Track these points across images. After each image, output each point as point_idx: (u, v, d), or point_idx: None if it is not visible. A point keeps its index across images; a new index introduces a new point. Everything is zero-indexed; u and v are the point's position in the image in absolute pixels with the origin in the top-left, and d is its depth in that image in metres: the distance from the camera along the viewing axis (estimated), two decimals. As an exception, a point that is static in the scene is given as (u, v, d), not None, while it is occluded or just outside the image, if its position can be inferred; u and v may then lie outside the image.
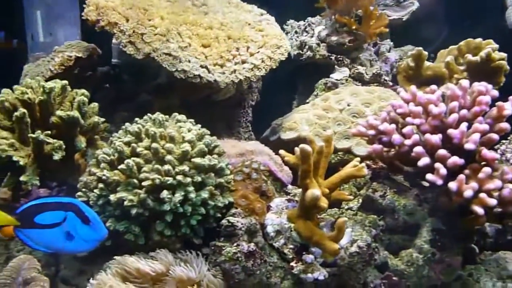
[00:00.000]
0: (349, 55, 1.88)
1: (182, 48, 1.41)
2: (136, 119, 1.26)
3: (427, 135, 1.16)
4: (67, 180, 1.38)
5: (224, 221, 1.14)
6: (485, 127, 1.13)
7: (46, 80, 1.36)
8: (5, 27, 2.04)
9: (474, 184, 1.09)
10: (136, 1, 1.47)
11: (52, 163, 1.26)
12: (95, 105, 1.35)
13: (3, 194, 1.43)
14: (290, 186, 1.39)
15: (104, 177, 1.12)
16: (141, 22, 1.40)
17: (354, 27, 1.83)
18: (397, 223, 1.24)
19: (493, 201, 1.08)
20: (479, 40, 1.66)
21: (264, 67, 1.48)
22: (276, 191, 1.34)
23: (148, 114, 1.25)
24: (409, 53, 1.88)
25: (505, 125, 1.15)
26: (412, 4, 2.11)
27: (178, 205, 1.10)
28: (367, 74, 1.82)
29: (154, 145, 1.12)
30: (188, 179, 1.11)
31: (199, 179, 1.13)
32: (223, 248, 1.11)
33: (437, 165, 1.12)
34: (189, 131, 1.18)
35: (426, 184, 1.27)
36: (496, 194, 1.10)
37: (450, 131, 1.14)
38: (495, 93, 1.18)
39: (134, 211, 1.09)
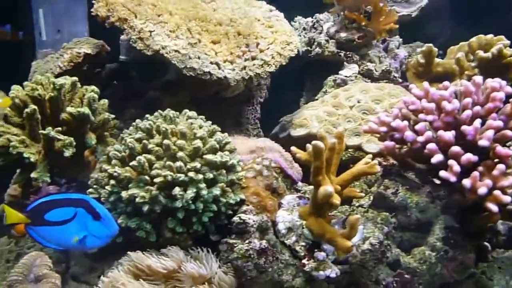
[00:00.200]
0: (358, 51, 1.87)
1: (192, 45, 1.40)
2: (147, 115, 1.25)
3: (440, 132, 1.15)
4: (77, 177, 1.38)
5: (235, 218, 1.14)
6: (499, 123, 1.12)
7: (55, 77, 1.36)
8: (13, 23, 2.02)
9: (488, 181, 1.08)
10: (145, -3, 1.47)
11: (62, 160, 1.25)
12: (105, 101, 1.35)
13: (13, 191, 1.43)
14: (300, 183, 1.38)
15: (115, 174, 1.12)
16: (151, 18, 1.40)
17: (363, 24, 1.82)
18: (410, 220, 1.23)
19: (507, 198, 1.07)
20: (490, 36, 1.65)
21: (274, 64, 1.47)
22: (287, 188, 1.33)
23: (159, 111, 1.25)
24: (419, 50, 1.87)
25: (519, 121, 1.14)
26: (421, 0, 2.10)
27: (190, 202, 1.09)
28: (376, 71, 1.81)
29: (166, 141, 1.11)
30: (200, 176, 1.10)
31: (211, 175, 1.12)
32: (235, 245, 1.11)
33: (451, 162, 1.11)
34: (200, 127, 1.18)
35: (437, 181, 1.27)
36: (510, 191, 1.09)
37: (464, 127, 1.13)
38: (509, 89, 1.17)
39: (146, 207, 1.09)
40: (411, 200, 1.23)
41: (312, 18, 2.07)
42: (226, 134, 1.22)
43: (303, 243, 1.17)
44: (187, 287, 1.10)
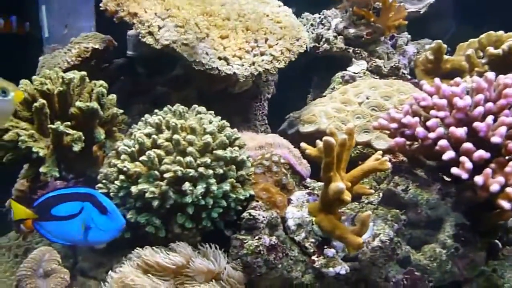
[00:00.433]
0: (366, 48, 1.86)
1: (200, 39, 1.39)
2: (156, 110, 1.25)
3: (452, 128, 1.14)
4: (85, 172, 1.37)
5: (245, 214, 1.13)
6: (512, 120, 1.11)
7: (63, 72, 1.35)
8: (20, 16, 2.01)
9: (500, 179, 1.07)
10: (153, -9, 1.46)
11: (70, 155, 1.25)
12: (113, 96, 1.34)
13: (20, 186, 1.43)
14: (309, 180, 1.37)
15: (125, 169, 1.11)
16: (159, 12, 1.39)
17: (372, 20, 1.81)
18: (420, 217, 1.22)
19: (520, 196, 1.06)
20: (500, 32, 1.64)
21: (283, 59, 1.46)
22: (295, 185, 1.32)
23: (168, 106, 1.24)
24: (427, 47, 1.86)
25: (532, 118, 1.13)
26: (430, -4, 2.08)
27: (200, 197, 1.09)
28: (385, 67, 1.80)
29: (176, 136, 1.10)
30: (210, 171, 1.09)
31: (221, 171, 1.11)
32: (245, 241, 1.10)
33: (463, 158, 1.10)
34: (210, 122, 1.17)
35: (447, 178, 1.26)
36: (522, 188, 1.08)
37: (476, 124, 1.12)
38: (522, 86, 1.15)
39: (155, 203, 1.08)
40: (422, 197, 1.22)
41: (319, 14, 2.06)
42: (235, 129, 1.22)
43: (313, 240, 1.16)
44: (197, 283, 1.10)
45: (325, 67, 1.97)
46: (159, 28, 1.36)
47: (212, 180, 1.10)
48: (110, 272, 1.11)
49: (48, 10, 1.96)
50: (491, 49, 1.56)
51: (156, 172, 1.09)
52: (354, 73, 1.77)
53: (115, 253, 1.23)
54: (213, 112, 1.26)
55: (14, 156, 1.21)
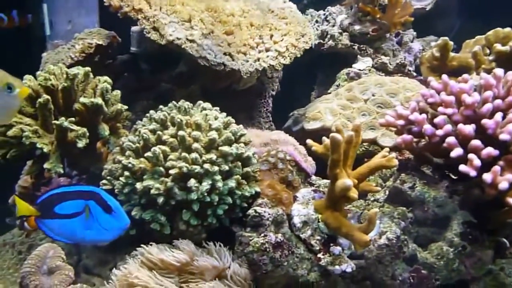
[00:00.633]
0: (371, 44, 1.85)
1: (205, 35, 1.38)
2: (161, 106, 1.24)
3: (460, 125, 1.12)
4: (89, 168, 1.37)
5: (251, 211, 1.12)
6: (521, 117, 1.09)
7: (67, 67, 1.34)
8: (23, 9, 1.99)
9: (509, 176, 1.06)
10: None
11: (74, 151, 1.24)
12: (117, 92, 1.33)
13: (24, 183, 1.42)
14: (314, 177, 1.36)
15: (129, 165, 1.10)
16: (164, 8, 1.38)
17: (378, 16, 1.79)
18: (427, 215, 1.21)
19: (529, 194, 1.05)
20: (508, 29, 1.62)
21: (288, 55, 1.45)
22: (301, 182, 1.31)
23: (173, 102, 1.23)
24: (433, 44, 1.85)
25: (541, 116, 1.12)
26: (436, -7, 2.07)
27: (205, 194, 1.08)
28: (390, 64, 1.79)
29: (181, 132, 1.09)
30: (216, 168, 1.08)
31: (226, 168, 1.10)
32: (250, 238, 1.09)
33: (471, 156, 1.09)
34: (215, 119, 1.16)
35: (454, 176, 1.25)
36: (531, 186, 1.07)
37: (485, 121, 1.10)
38: (531, 83, 1.14)
39: (160, 199, 1.07)
40: (429, 195, 1.21)
41: (324, 11, 2.04)
42: (241, 126, 1.21)
43: (319, 237, 1.15)
44: (202, 281, 1.09)
45: (329, 64, 1.95)
46: (164, 24, 1.35)
47: (218, 177, 1.09)
48: (114, 270, 1.11)
49: (52, 6, 1.95)
50: (498, 46, 1.55)
51: (161, 169, 1.09)
52: (360, 70, 1.76)
53: (119, 250, 1.23)
54: (218, 108, 1.25)
55: (18, 152, 1.21)
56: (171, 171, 1.07)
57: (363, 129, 1.46)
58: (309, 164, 1.37)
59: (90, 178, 1.40)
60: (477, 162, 1.08)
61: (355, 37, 1.85)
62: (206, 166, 1.08)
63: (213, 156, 1.09)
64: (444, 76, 1.22)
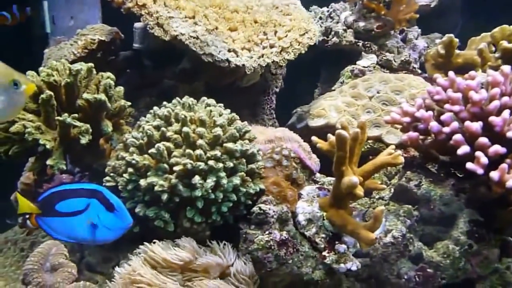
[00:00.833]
0: (376, 41, 1.83)
1: (209, 31, 1.37)
2: (164, 102, 1.23)
3: (467, 123, 1.11)
4: (92, 165, 1.36)
5: (255, 209, 1.11)
6: (529, 115, 1.08)
7: (70, 63, 1.33)
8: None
9: (517, 174, 1.05)
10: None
11: (77, 147, 1.23)
12: (120, 88, 1.32)
13: (26, 179, 1.41)
14: (318, 174, 1.35)
15: (133, 162, 1.09)
16: (168, 4, 1.37)
17: (383, 13, 1.78)
18: (433, 213, 1.20)
19: (537, 192, 1.03)
20: (514, 26, 1.61)
21: (292, 51, 1.44)
22: (305, 179, 1.30)
23: (177, 98, 1.22)
24: (437, 41, 1.83)
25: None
26: (441, -10, 2.05)
27: (210, 191, 1.07)
28: (395, 61, 1.77)
29: (185, 129, 1.08)
30: (220, 165, 1.07)
31: (231, 164, 1.09)
32: (255, 236, 1.08)
33: (478, 153, 1.08)
34: (220, 115, 1.15)
35: (459, 174, 1.24)
36: (539, 184, 1.06)
37: (492, 118, 1.09)
38: (539, 80, 1.13)
39: (165, 196, 1.06)
40: (435, 193, 1.19)
41: (327, 7, 2.03)
42: (245, 122, 1.19)
43: (323, 235, 1.14)
44: (206, 279, 1.08)
45: (333, 61, 1.94)
46: (168, 19, 1.34)
47: (222, 174, 1.08)
48: (116, 268, 1.10)
49: (54, 2, 1.94)
50: (505, 43, 1.53)
51: (165, 165, 1.07)
52: (364, 67, 1.75)
53: (123, 247, 1.22)
54: (222, 104, 1.23)
55: (21, 148, 1.19)
56: (175, 168, 1.06)
57: (368, 126, 1.45)
58: (313, 162, 1.36)
59: (92, 175, 1.39)
60: (484, 160, 1.07)
61: (359, 34, 1.84)
62: (211, 162, 1.07)
63: (217, 152, 1.08)
64: (451, 73, 1.21)
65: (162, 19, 1.33)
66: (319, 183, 1.32)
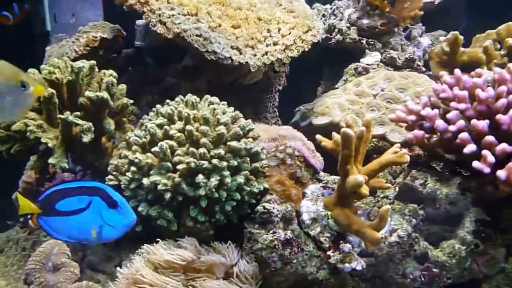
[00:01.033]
0: (380, 39, 1.82)
1: (213, 29, 1.36)
2: (167, 100, 1.21)
3: (474, 121, 1.10)
4: (93, 164, 1.35)
5: (259, 208, 1.10)
6: (536, 113, 1.07)
7: (72, 61, 1.31)
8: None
9: (524, 173, 1.03)
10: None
11: (79, 146, 1.22)
12: (123, 86, 1.31)
13: (28, 178, 1.40)
14: (322, 173, 1.34)
15: (136, 160, 1.08)
16: (171, 0, 1.35)
17: (387, 10, 1.76)
18: (438, 212, 1.19)
19: (544, 191, 1.02)
20: (521, 24, 1.59)
21: (296, 49, 1.43)
22: (309, 178, 1.29)
23: (180, 96, 1.21)
24: (442, 38, 1.82)
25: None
26: (445, -13, 2.04)
27: (213, 190, 1.05)
28: (399, 59, 1.76)
29: (189, 127, 1.07)
30: (224, 163, 1.06)
31: (235, 163, 1.08)
32: (259, 235, 1.07)
33: (485, 152, 1.07)
34: (223, 113, 1.14)
35: (465, 173, 1.22)
36: (546, 183, 1.05)
37: (499, 116, 1.08)
38: (546, 77, 1.11)
39: (168, 195, 1.05)
40: (441, 192, 1.18)
41: (331, 5, 2.02)
42: (249, 120, 1.18)
43: (328, 234, 1.13)
44: (209, 279, 1.07)
45: (336, 59, 1.92)
46: (171, 16, 1.33)
47: (226, 172, 1.06)
48: (118, 268, 1.08)
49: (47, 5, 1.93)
50: (510, 41, 1.52)
51: (169, 164, 1.06)
52: (368, 64, 1.73)
53: (125, 247, 1.21)
54: (225, 102, 1.22)
55: (22, 147, 1.18)
56: (179, 167, 1.05)
57: (372, 125, 1.44)
58: (317, 160, 1.34)
59: (94, 174, 1.38)
60: (491, 158, 1.06)
61: (363, 32, 1.83)
62: (214, 161, 1.05)
63: (221, 151, 1.07)
64: (457, 71, 1.19)
65: (164, 16, 1.32)
66: (323, 181, 1.31)
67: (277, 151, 1.23)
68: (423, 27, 1.95)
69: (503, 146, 1.06)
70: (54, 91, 1.17)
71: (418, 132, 1.20)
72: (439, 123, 1.15)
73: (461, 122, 1.12)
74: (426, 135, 1.22)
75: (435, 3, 2.00)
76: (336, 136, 1.13)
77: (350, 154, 1.05)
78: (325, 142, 1.18)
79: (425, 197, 1.20)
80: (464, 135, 1.10)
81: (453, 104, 1.16)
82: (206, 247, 1.12)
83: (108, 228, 0.97)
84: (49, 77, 1.19)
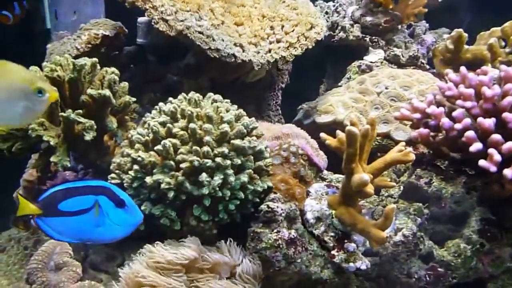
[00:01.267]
0: (383, 36, 1.80)
1: (215, 26, 1.35)
2: (170, 98, 1.20)
3: (480, 119, 1.09)
4: (95, 162, 1.34)
5: (263, 206, 1.09)
6: (543, 111, 1.06)
7: (73, 59, 1.30)
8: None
9: (531, 172, 1.02)
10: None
11: (81, 144, 1.21)
12: (125, 84, 1.30)
13: (29, 176, 1.39)
14: (325, 172, 1.33)
15: (139, 159, 1.07)
16: (173, -3, 1.34)
17: (391, 7, 1.75)
18: (444, 211, 1.18)
19: (551, 190, 1.01)
20: (526, 21, 1.58)
21: (300, 46, 1.41)
22: (313, 177, 1.28)
23: (183, 94, 1.20)
24: (445, 36, 1.80)
25: None
26: (449, -15, 2.02)
27: (217, 188, 1.04)
28: (403, 57, 1.74)
29: (192, 125, 1.06)
30: (228, 162, 1.05)
31: (239, 161, 1.07)
32: (263, 234, 1.06)
33: (491, 150, 1.06)
34: (227, 111, 1.12)
35: (470, 171, 1.21)
36: (553, 182, 1.04)
37: (505, 115, 1.07)
38: (553, 75, 1.10)
39: (171, 194, 1.04)
40: (446, 191, 1.17)
41: (333, 2, 2.00)
42: (253, 118, 1.17)
43: (332, 234, 1.12)
44: (211, 279, 1.06)
45: (339, 57, 1.91)
46: (173, 14, 1.31)
47: (230, 171, 1.05)
48: (119, 269, 1.07)
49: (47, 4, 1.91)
50: (515, 38, 1.51)
51: (172, 162, 1.05)
52: (371, 62, 1.72)
53: (127, 246, 1.20)
54: (229, 100, 1.21)
55: (24, 145, 1.17)
56: (182, 165, 1.04)
57: (376, 123, 1.43)
58: (321, 158, 1.33)
59: (96, 172, 1.37)
60: (497, 157, 1.05)
61: (366, 29, 1.81)
62: (218, 160, 1.04)
63: (225, 149, 1.06)
64: (463, 68, 1.18)
65: (167, 13, 1.30)
66: (327, 180, 1.30)
67: (281, 150, 1.22)
68: (427, 25, 1.93)
69: (510, 144, 1.05)
70: (55, 88, 1.15)
71: (423, 130, 1.19)
72: (445, 121, 1.14)
73: (467, 120, 1.11)
74: (431, 133, 1.21)
75: (439, 1, 1.98)
76: (340, 134, 1.12)
77: (355, 152, 1.04)
78: (330, 141, 1.17)
79: (430, 196, 1.19)
80: (470, 133, 1.09)
81: (458, 102, 1.15)
82: (209, 247, 1.11)
83: (115, 228, 0.94)
84: (50, 74, 1.18)
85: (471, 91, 1.13)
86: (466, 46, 1.68)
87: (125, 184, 1.09)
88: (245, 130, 1.10)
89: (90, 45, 1.49)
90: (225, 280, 1.07)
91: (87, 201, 0.93)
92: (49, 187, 0.99)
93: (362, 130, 1.08)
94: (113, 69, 1.27)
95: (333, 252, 1.10)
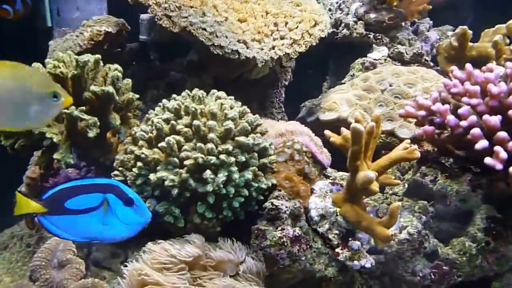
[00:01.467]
0: (387, 33, 1.79)
1: (219, 22, 1.34)
2: (174, 95, 1.19)
3: (486, 117, 1.08)
4: (98, 159, 1.33)
5: (267, 204, 1.08)
6: (550, 108, 1.05)
7: (76, 55, 1.30)
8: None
9: (537, 170, 1.01)
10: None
11: (84, 141, 1.20)
12: (128, 81, 1.29)
13: (32, 173, 1.39)
14: (329, 169, 1.32)
15: (142, 156, 1.06)
16: (176, -6, 1.33)
17: (395, 4, 1.74)
18: (449, 209, 1.17)
19: (557, 188, 1.00)
20: (531, 18, 1.57)
21: (304, 43, 1.40)
22: (317, 174, 1.27)
23: (186, 90, 1.19)
24: (449, 33, 1.80)
25: None
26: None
27: (221, 186, 1.04)
28: (407, 54, 1.73)
29: (196, 122, 1.05)
30: (232, 159, 1.04)
31: (243, 159, 1.06)
32: (267, 232, 1.05)
33: (497, 148, 1.05)
34: (231, 108, 1.12)
35: (475, 169, 1.21)
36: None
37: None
38: (560, 72, 1.09)
39: (175, 191, 1.03)
40: (451, 189, 1.16)
41: (337, -1, 1.99)
42: (257, 115, 1.16)
43: (337, 231, 1.11)
44: (216, 277, 1.06)
45: (343, 54, 1.90)
46: (176, 10, 1.31)
47: (234, 168, 1.05)
48: (122, 267, 1.06)
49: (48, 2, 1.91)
50: (520, 35, 1.50)
51: (176, 159, 1.05)
52: (375, 59, 1.71)
53: (131, 243, 1.19)
54: (233, 97, 1.20)
55: (27, 142, 1.17)
56: (186, 162, 1.03)
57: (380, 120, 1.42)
58: (324, 156, 1.33)
59: (99, 169, 1.36)
60: (503, 154, 1.04)
61: (370, 26, 1.80)
62: (222, 157, 1.04)
63: (229, 146, 1.05)
64: (468, 65, 1.17)
65: (170, 9, 1.30)
66: (331, 178, 1.29)
67: (285, 147, 1.21)
68: (431, 22, 1.92)
69: (516, 142, 1.04)
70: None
71: (428, 128, 1.19)
72: (450, 119, 1.13)
73: (473, 118, 1.10)
74: (436, 131, 1.20)
75: (443, -2, 1.98)
76: (345, 131, 1.11)
77: (360, 150, 1.04)
78: (334, 138, 1.17)
79: (435, 193, 1.19)
80: (476, 130, 1.08)
81: (464, 99, 1.13)
82: (213, 244, 1.10)
83: (122, 227, 0.92)
84: (53, 71, 1.18)
85: (477, 88, 1.12)
86: (470, 44, 1.67)
87: (128, 181, 1.08)
88: (249, 127, 1.10)
89: (92, 42, 1.49)
90: (229, 277, 1.07)
91: (94, 199, 0.91)
92: (54, 185, 0.98)
93: (367, 127, 1.08)
94: (116, 65, 1.26)
95: (337, 250, 1.10)
